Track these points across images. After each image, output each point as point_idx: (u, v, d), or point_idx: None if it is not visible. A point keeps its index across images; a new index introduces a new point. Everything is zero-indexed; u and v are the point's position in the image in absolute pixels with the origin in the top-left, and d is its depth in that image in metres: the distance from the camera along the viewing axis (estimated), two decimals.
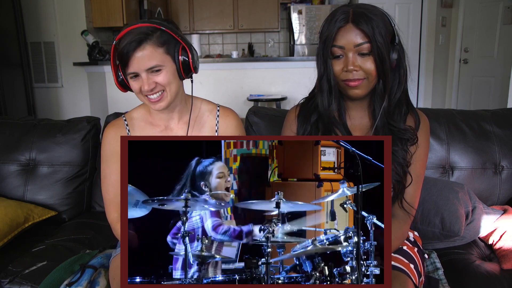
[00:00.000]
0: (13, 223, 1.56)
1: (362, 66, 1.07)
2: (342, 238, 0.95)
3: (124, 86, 1.18)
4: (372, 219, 0.93)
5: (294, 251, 0.95)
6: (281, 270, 1.00)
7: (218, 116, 1.30)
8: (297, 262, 0.97)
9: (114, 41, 1.11)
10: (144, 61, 1.09)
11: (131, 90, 1.19)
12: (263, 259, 0.92)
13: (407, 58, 1.14)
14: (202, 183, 1.08)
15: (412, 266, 1.16)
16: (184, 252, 0.92)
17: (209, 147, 1.24)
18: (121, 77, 1.16)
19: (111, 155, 1.23)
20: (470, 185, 1.63)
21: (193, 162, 1.11)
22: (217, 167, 1.10)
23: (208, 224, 1.03)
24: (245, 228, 1.03)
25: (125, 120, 1.27)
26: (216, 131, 1.29)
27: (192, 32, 5.84)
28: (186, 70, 1.17)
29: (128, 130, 1.26)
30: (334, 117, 1.18)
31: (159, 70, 1.12)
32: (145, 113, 1.28)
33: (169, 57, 1.13)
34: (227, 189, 1.10)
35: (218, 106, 1.32)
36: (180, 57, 1.14)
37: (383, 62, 1.06)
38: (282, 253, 1.01)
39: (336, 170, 1.25)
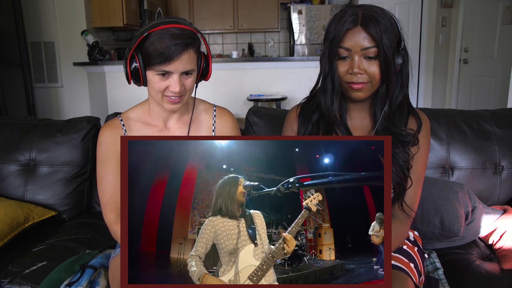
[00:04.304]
0: (13, 223, 1.56)
1: (367, 70, 1.07)
2: None
3: (136, 77, 1.12)
4: None
5: None
6: None
7: (215, 116, 1.31)
8: None
9: (147, 32, 1.07)
10: (184, 63, 1.10)
11: (139, 84, 1.14)
12: None
13: (411, 62, 1.13)
14: None
15: (412, 265, 1.16)
16: None
17: None
18: (136, 67, 1.10)
19: (107, 156, 1.22)
20: (470, 185, 1.63)
21: None
22: None
23: None
24: None
25: (121, 120, 1.26)
26: (213, 130, 1.30)
27: None
28: (203, 77, 1.21)
29: (125, 131, 1.25)
30: (336, 117, 1.18)
31: (190, 74, 1.14)
32: (142, 113, 1.27)
33: (197, 64, 1.16)
34: None
35: (215, 106, 1.33)
36: (202, 64, 1.17)
37: (388, 67, 1.06)
38: None
39: None
